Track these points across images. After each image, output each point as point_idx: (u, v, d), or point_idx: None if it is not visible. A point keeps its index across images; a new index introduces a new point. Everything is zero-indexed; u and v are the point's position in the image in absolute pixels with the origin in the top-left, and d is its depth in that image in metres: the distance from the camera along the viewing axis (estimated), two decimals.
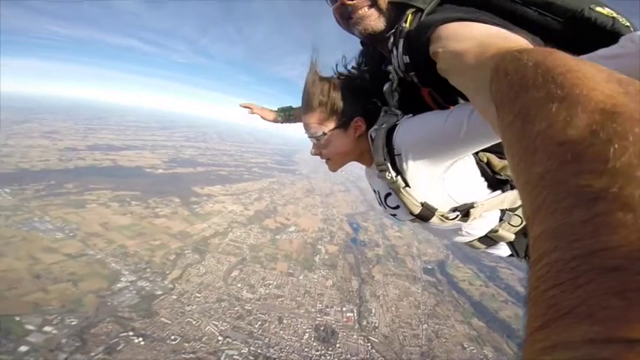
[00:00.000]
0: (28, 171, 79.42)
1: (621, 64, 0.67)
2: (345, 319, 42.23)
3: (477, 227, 1.53)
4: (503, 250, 1.68)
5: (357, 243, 70.09)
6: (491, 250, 1.69)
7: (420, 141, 1.27)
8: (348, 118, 1.54)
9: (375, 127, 1.48)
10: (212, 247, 56.44)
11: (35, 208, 60.74)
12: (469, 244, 1.65)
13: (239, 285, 46.40)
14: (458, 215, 1.42)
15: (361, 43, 1.65)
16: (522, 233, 1.54)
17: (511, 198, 1.45)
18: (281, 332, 38.47)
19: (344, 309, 44.41)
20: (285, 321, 40.22)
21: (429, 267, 63.09)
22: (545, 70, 0.43)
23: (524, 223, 1.49)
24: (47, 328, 33.30)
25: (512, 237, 1.54)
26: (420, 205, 1.40)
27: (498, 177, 1.45)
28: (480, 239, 1.60)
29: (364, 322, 42.35)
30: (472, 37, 0.81)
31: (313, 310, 43.22)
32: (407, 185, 1.37)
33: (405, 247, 70.68)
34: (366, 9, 1.26)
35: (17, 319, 33.63)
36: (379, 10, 1.26)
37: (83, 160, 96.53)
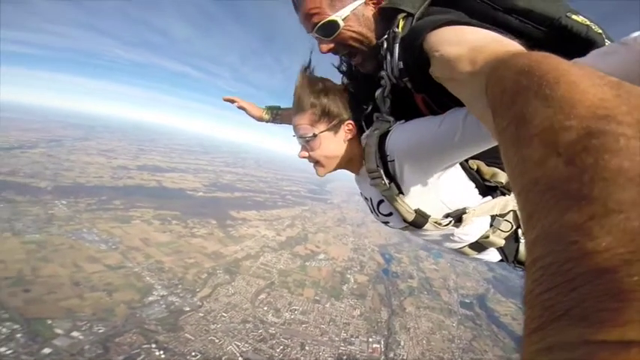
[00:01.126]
0: (83, 186, 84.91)
1: (616, 66, 0.65)
2: (370, 350, 39.98)
3: (468, 233, 1.51)
4: (492, 255, 1.66)
5: (389, 274, 67.35)
6: (481, 256, 1.66)
7: (413, 146, 1.24)
8: (339, 121, 1.49)
9: (367, 133, 1.45)
10: (243, 269, 56.46)
11: (85, 220, 64.34)
12: (460, 250, 1.62)
13: (265, 308, 45.60)
14: (451, 221, 1.40)
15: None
16: (512, 238, 1.56)
17: (501, 204, 1.45)
18: (302, 358, 37.06)
19: (370, 340, 42.10)
20: (307, 347, 38.73)
21: (467, 300, 59.00)
22: (539, 75, 0.43)
23: (513, 228, 1.52)
24: (74, 334, 33.93)
25: (502, 242, 1.54)
26: (413, 212, 1.38)
27: (488, 184, 1.45)
28: (471, 245, 1.58)
29: (391, 354, 39.94)
30: (466, 41, 0.79)
31: (337, 338, 41.33)
32: (400, 192, 1.35)
33: (441, 279, 67.15)
34: (351, 57, 1.37)
35: (49, 322, 34.58)
36: (360, 55, 1.35)
37: (132, 179, 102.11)
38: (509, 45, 0.75)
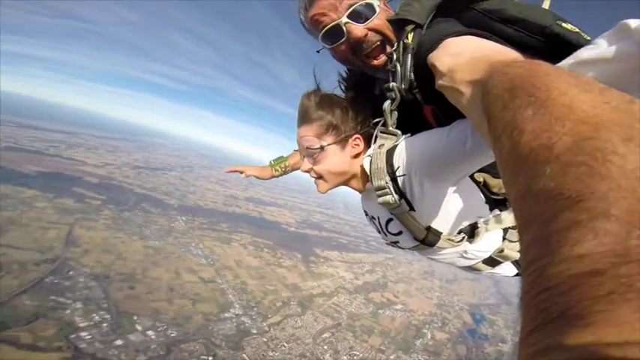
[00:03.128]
0: (201, 207, 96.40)
1: (605, 70, 0.65)
2: None
3: (481, 248, 1.41)
4: (507, 269, 1.55)
5: (476, 335, 57.88)
6: (496, 271, 1.55)
7: (424, 158, 1.15)
8: (346, 135, 1.38)
9: (373, 148, 1.32)
10: (315, 305, 55.04)
11: (196, 236, 72.03)
12: (473, 267, 1.51)
13: (325, 347, 42.78)
14: (464, 237, 1.31)
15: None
16: None
17: (511, 216, 1.33)
18: None
19: None
20: None
21: None
22: (530, 84, 0.43)
23: None
24: (149, 332, 36.17)
25: (517, 255, 1.43)
26: (424, 229, 1.27)
27: (495, 197, 1.35)
28: (485, 261, 1.48)
29: None
30: (468, 51, 0.77)
31: None
32: (411, 209, 1.23)
33: None
34: (378, 49, 1.25)
35: (135, 318, 37.74)
36: (384, 46, 1.24)
37: (239, 208, 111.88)
38: (507, 54, 0.74)
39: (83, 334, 33.32)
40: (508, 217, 1.31)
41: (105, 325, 35.49)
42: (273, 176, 2.12)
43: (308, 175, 1.46)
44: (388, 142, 1.26)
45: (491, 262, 1.47)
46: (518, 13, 0.99)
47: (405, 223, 1.27)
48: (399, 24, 1.15)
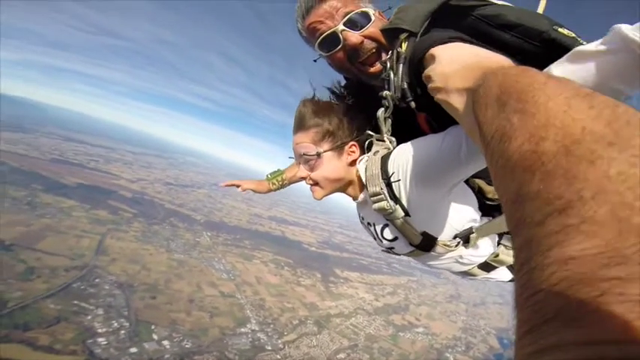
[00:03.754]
0: (226, 224, 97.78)
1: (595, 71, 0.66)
2: None
3: (477, 253, 1.41)
4: (502, 274, 1.55)
5: None
6: (491, 276, 1.55)
7: (418, 164, 1.15)
8: (343, 142, 1.38)
9: (368, 155, 1.34)
10: (332, 325, 53.15)
11: (220, 251, 72.63)
12: (469, 272, 1.50)
13: None
14: (459, 242, 1.31)
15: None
16: None
17: (504, 222, 1.30)
18: None
19: None
20: None
21: None
22: (518, 90, 0.43)
23: None
24: (165, 342, 35.83)
25: (512, 260, 1.42)
26: (420, 234, 1.27)
27: (489, 203, 1.36)
28: (480, 266, 1.47)
29: None
30: (459, 59, 0.77)
31: None
32: (407, 214, 1.23)
33: None
34: (373, 56, 1.27)
35: (152, 327, 37.66)
36: (379, 54, 1.27)
37: (262, 226, 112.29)
38: (496, 60, 0.74)
39: (100, 339, 33.52)
40: (503, 222, 1.27)
41: (122, 332, 35.60)
42: (270, 190, 2.09)
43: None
44: (383, 149, 1.27)
45: (487, 266, 1.44)
46: (516, 18, 0.98)
47: (401, 229, 1.27)
48: (393, 33, 1.14)
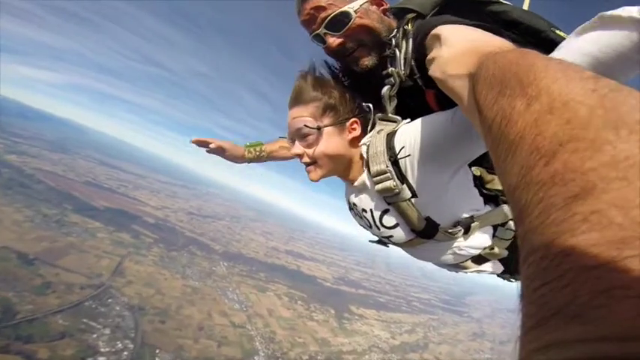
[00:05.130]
0: (243, 255, 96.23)
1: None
2: None
3: (474, 244, 1.32)
4: (495, 267, 1.45)
5: None
6: (482, 268, 1.44)
7: (427, 141, 1.07)
8: (344, 118, 1.25)
9: (371, 134, 1.25)
10: None
11: (234, 281, 70.86)
12: (460, 265, 1.40)
13: None
14: (461, 230, 1.23)
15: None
16: (512, 247, 1.37)
17: (503, 213, 1.27)
18: None
19: None
20: None
21: None
22: (520, 73, 0.41)
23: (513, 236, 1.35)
24: None
25: (505, 253, 1.35)
26: (424, 219, 1.18)
27: (488, 192, 1.28)
28: (473, 259, 1.38)
29: None
30: (462, 40, 0.75)
31: None
32: (414, 195, 1.13)
33: None
34: (357, 52, 1.25)
35: (157, 351, 35.68)
36: (368, 48, 1.24)
37: (278, 259, 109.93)
38: (498, 43, 0.71)
39: (101, 358, 31.97)
40: (501, 213, 1.24)
41: (125, 353, 33.93)
42: (244, 158, 1.86)
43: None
44: (387, 128, 1.18)
45: (479, 259, 1.36)
46: (517, 16, 0.99)
47: (404, 213, 1.15)
48: (399, 12, 1.16)
